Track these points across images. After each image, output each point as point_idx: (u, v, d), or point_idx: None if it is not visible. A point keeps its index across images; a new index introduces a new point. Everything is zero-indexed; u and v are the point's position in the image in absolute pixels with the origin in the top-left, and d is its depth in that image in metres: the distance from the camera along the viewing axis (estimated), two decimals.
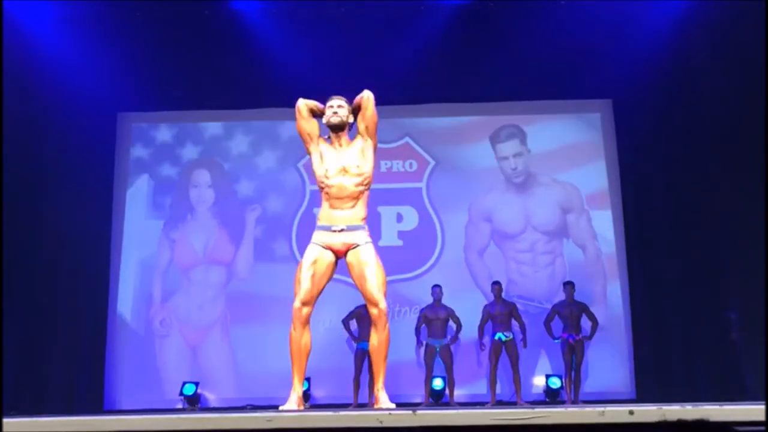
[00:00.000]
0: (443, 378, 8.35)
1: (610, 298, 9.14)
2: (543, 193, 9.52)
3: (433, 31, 8.80)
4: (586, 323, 8.54)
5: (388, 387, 4.04)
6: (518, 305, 8.67)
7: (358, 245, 4.08)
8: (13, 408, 7.49)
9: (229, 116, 9.82)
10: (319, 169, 4.21)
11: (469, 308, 8.63)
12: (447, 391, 8.31)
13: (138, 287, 9.32)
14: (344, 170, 4.15)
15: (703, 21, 8.25)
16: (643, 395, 8.51)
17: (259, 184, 9.67)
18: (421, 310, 8.53)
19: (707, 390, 8.01)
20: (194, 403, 8.57)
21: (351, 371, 8.22)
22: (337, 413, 2.58)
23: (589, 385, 8.66)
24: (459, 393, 8.40)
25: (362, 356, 8.09)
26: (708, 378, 8.29)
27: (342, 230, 4.10)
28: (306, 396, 7.95)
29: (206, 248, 9.45)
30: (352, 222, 4.12)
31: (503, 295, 8.65)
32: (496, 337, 8.35)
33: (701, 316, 8.58)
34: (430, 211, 9.47)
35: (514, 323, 8.46)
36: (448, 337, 8.39)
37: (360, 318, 8.18)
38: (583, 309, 8.54)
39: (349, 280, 4.20)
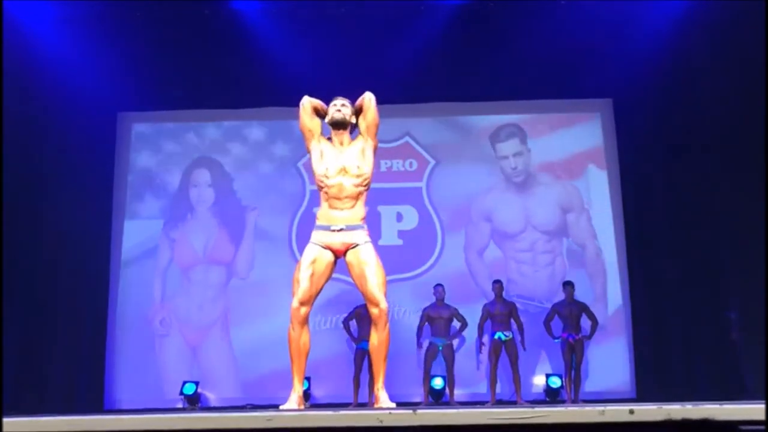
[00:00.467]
0: (443, 377, 8.35)
1: (610, 298, 9.14)
2: (543, 192, 9.52)
3: (433, 31, 8.80)
4: (585, 323, 8.54)
5: (388, 386, 4.04)
6: (518, 305, 8.67)
7: (357, 245, 4.09)
8: (13, 408, 7.49)
9: (229, 116, 9.81)
10: (318, 167, 4.21)
11: (469, 308, 8.63)
12: (447, 391, 8.31)
13: (138, 287, 9.31)
14: (344, 170, 4.15)
15: (703, 21, 8.25)
16: (643, 395, 8.51)
17: (259, 184, 9.66)
18: (424, 310, 8.53)
19: (707, 389, 8.01)
20: (194, 402, 8.57)
21: (351, 371, 8.22)
22: (337, 412, 2.58)
23: (589, 385, 8.66)
24: (459, 392, 8.40)
25: (362, 356, 8.09)
26: (708, 377, 8.29)
27: (341, 230, 4.10)
28: (306, 395, 7.94)
29: (206, 248, 9.45)
30: (351, 222, 4.12)
31: (503, 294, 8.64)
32: (496, 337, 8.35)
33: (701, 315, 8.58)
34: (430, 210, 9.47)
35: (513, 323, 8.45)
36: (451, 335, 8.39)
37: (360, 318, 8.18)
38: (583, 308, 8.54)
39: (349, 279, 4.20)
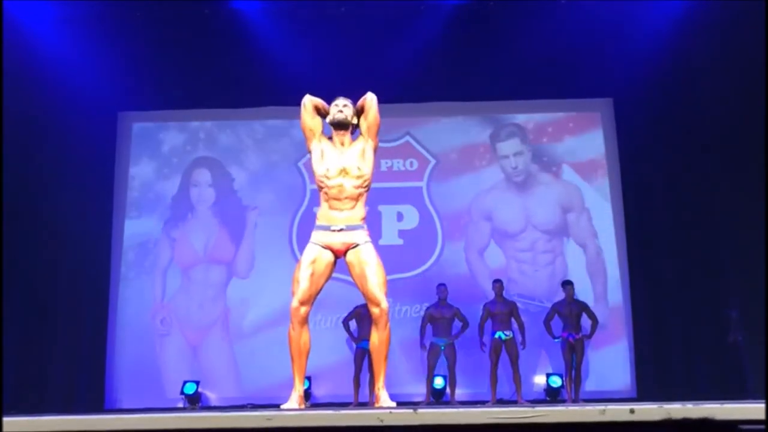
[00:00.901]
0: (444, 377, 8.35)
1: (610, 297, 9.14)
2: (543, 192, 9.53)
3: (434, 31, 8.81)
4: (586, 322, 8.54)
5: (388, 386, 4.04)
6: (519, 304, 8.67)
7: (357, 245, 4.09)
8: (13, 407, 7.49)
9: (230, 115, 9.81)
10: (319, 168, 4.20)
11: (469, 307, 8.63)
12: (448, 390, 8.31)
13: (138, 286, 9.32)
14: (345, 171, 4.15)
15: (703, 21, 8.26)
16: (643, 394, 8.51)
17: (260, 184, 9.66)
18: (427, 309, 8.53)
19: (707, 389, 8.02)
20: (195, 402, 8.58)
21: (351, 370, 8.22)
22: (337, 412, 2.58)
23: (589, 384, 8.67)
24: (459, 392, 8.40)
25: (362, 355, 8.09)
26: (708, 377, 8.30)
27: (341, 230, 4.10)
28: (307, 395, 7.95)
29: (207, 247, 9.46)
30: (351, 222, 4.12)
31: (504, 293, 8.64)
32: (496, 336, 8.35)
33: (701, 315, 8.58)
34: (431, 209, 9.47)
35: (514, 322, 8.45)
36: (453, 335, 8.38)
37: (360, 317, 8.19)
38: (583, 308, 8.54)
39: (349, 279, 4.20)
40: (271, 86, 9.17)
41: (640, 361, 8.79)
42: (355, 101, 4.31)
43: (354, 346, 8.41)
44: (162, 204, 9.62)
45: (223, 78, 9.34)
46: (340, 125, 4.23)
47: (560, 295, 8.67)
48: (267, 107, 9.56)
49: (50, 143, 9.15)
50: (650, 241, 9.07)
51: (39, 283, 8.86)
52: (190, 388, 8.54)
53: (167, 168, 9.74)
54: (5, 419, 2.70)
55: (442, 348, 8.31)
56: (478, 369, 8.82)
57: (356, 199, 4.16)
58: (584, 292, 8.88)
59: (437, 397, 8.41)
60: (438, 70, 9.21)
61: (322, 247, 4.10)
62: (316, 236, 4.15)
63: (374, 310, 4.01)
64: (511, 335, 8.35)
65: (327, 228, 4.13)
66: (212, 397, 8.91)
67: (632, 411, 2.48)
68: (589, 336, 8.50)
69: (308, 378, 7.53)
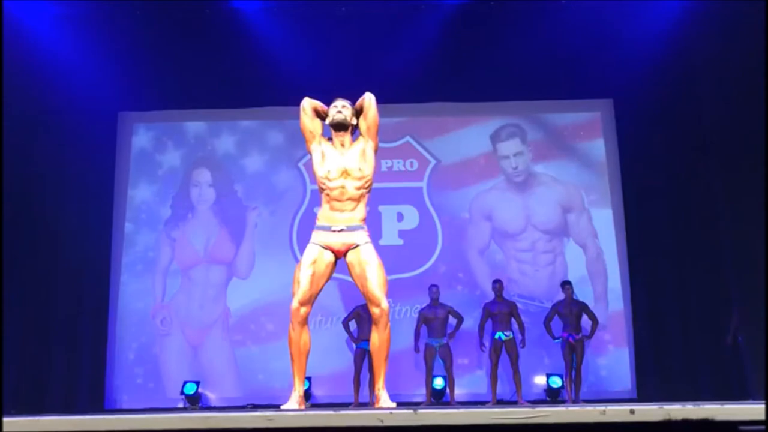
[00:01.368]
0: (444, 377, 8.36)
1: (610, 297, 9.14)
2: (543, 192, 9.53)
3: (434, 31, 8.81)
4: (586, 322, 8.54)
5: (388, 386, 4.04)
6: (519, 304, 8.67)
7: (357, 245, 4.09)
8: (13, 407, 7.50)
9: (230, 115, 9.81)
10: (320, 169, 4.20)
11: (469, 307, 8.64)
12: (448, 391, 8.31)
13: (139, 286, 9.32)
14: (346, 172, 4.15)
15: (703, 21, 8.25)
16: (643, 394, 8.51)
17: (260, 183, 9.66)
18: (420, 311, 8.53)
19: (708, 389, 8.02)
20: (195, 402, 8.58)
21: (351, 371, 8.23)
22: (337, 412, 2.58)
23: (589, 385, 8.66)
24: (459, 392, 8.40)
25: (362, 355, 8.10)
26: (709, 377, 8.30)
27: (341, 230, 4.10)
28: (307, 395, 7.96)
29: (207, 247, 9.46)
30: (352, 222, 4.12)
31: (504, 294, 8.64)
32: (496, 336, 8.35)
33: (701, 315, 8.58)
34: (431, 210, 9.47)
35: (514, 323, 8.45)
36: (448, 335, 8.38)
37: (359, 318, 8.19)
38: (583, 308, 8.54)
39: (349, 279, 4.20)
40: (271, 86, 9.17)
41: (640, 361, 8.79)
42: (354, 101, 4.31)
43: (354, 346, 8.41)
44: (162, 204, 9.61)
45: (224, 78, 9.35)
46: (340, 126, 4.22)
47: (560, 296, 8.67)
48: (267, 107, 9.56)
49: (50, 143, 9.15)
50: (650, 241, 9.06)
51: (39, 283, 8.86)
52: (190, 389, 8.54)
53: (167, 168, 9.73)
54: (5, 419, 2.70)
55: (437, 348, 8.31)
56: (478, 369, 8.84)
57: (357, 200, 4.16)
58: (584, 293, 8.88)
59: (437, 398, 8.42)
60: (438, 71, 9.22)
61: (323, 247, 4.11)
62: (317, 236, 4.15)
63: (374, 311, 4.01)
64: (511, 335, 8.35)
65: (327, 228, 4.13)
66: (212, 397, 8.91)
67: (632, 412, 2.48)
68: (589, 336, 8.50)
69: (308, 378, 7.53)
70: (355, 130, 4.31)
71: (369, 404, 7.66)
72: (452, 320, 8.47)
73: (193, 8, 8.61)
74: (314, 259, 4.08)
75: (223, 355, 9.10)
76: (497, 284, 8.57)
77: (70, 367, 8.82)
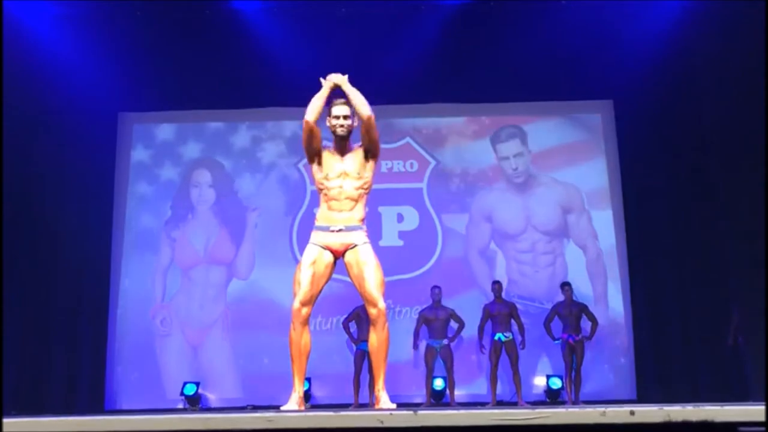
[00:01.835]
0: (444, 378, 8.35)
1: (610, 298, 9.14)
2: (543, 193, 9.52)
3: (434, 31, 8.81)
4: (586, 323, 8.54)
5: (388, 387, 4.04)
6: (518, 305, 8.67)
7: (356, 245, 4.09)
8: (13, 408, 7.50)
9: (230, 116, 9.81)
10: (318, 173, 4.22)
11: (469, 308, 8.63)
12: (448, 392, 8.30)
13: (139, 287, 9.31)
14: (345, 173, 4.15)
15: (703, 21, 8.25)
16: (643, 396, 8.51)
17: (260, 184, 9.66)
18: (421, 311, 8.53)
19: (708, 390, 8.01)
20: (195, 403, 8.58)
21: (351, 371, 8.22)
22: (337, 413, 2.58)
23: (589, 386, 8.65)
24: (459, 393, 8.40)
25: (362, 356, 8.09)
26: (709, 378, 8.29)
27: (340, 230, 4.10)
28: (307, 396, 7.95)
29: (207, 248, 9.45)
30: (350, 222, 4.12)
31: (503, 294, 8.64)
32: (496, 338, 8.35)
33: (701, 316, 8.58)
34: (431, 211, 9.47)
35: (514, 324, 8.45)
36: (449, 337, 8.37)
37: (359, 319, 8.18)
38: (583, 309, 8.54)
39: (349, 280, 4.20)
40: (271, 87, 9.18)
41: (640, 362, 8.79)
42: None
43: (354, 347, 8.41)
44: (162, 204, 9.61)
45: (224, 78, 9.34)
46: (342, 139, 4.22)
47: (560, 297, 8.67)
48: (267, 108, 9.56)
49: (50, 143, 9.15)
50: (650, 242, 9.06)
51: (39, 284, 8.86)
52: (190, 389, 8.54)
53: (167, 168, 9.73)
54: (5, 420, 2.70)
55: (438, 350, 8.31)
56: (477, 370, 8.83)
57: (356, 200, 4.16)
58: (584, 294, 8.88)
59: (437, 399, 8.41)
60: (438, 71, 9.22)
61: (322, 247, 4.11)
62: (316, 237, 4.15)
63: (372, 311, 4.01)
64: (511, 337, 8.35)
65: (326, 228, 4.13)
66: (212, 398, 8.91)
67: (632, 413, 2.48)
68: (589, 337, 8.50)
69: (308, 379, 7.53)
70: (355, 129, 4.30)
71: (369, 405, 7.66)
72: (453, 323, 8.46)
73: (193, 9, 8.61)
74: (314, 259, 4.09)
75: (223, 356, 9.10)
76: (496, 285, 8.57)
77: (70, 367, 8.81)
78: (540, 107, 9.72)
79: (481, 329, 8.44)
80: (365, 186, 4.19)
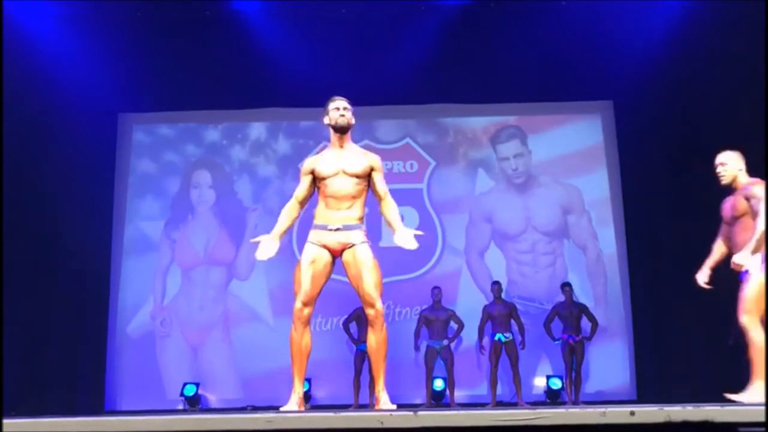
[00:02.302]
0: (444, 379, 8.35)
1: (610, 299, 9.14)
2: (544, 193, 9.52)
3: (433, 32, 8.81)
4: (586, 324, 8.54)
5: (388, 388, 4.04)
6: (518, 306, 8.67)
7: (354, 245, 4.08)
8: (13, 409, 7.49)
9: (230, 116, 9.81)
10: (317, 171, 4.22)
11: (469, 309, 8.63)
12: (448, 392, 8.30)
13: (139, 287, 9.31)
14: (343, 171, 4.15)
15: (703, 21, 8.25)
16: (643, 396, 8.51)
17: (260, 184, 9.66)
18: (421, 312, 8.53)
19: (708, 390, 8.00)
20: (195, 404, 8.57)
21: (351, 372, 8.22)
22: (337, 414, 2.58)
23: (589, 386, 8.66)
24: (459, 394, 8.40)
25: (362, 357, 8.08)
26: (708, 379, 8.28)
27: (338, 229, 4.09)
28: (307, 397, 7.95)
29: (207, 248, 9.45)
30: (348, 221, 4.11)
31: (503, 295, 8.64)
32: (496, 338, 8.34)
33: (702, 317, 8.56)
34: (431, 211, 9.47)
35: (514, 324, 8.45)
36: (449, 338, 8.37)
37: (359, 319, 8.18)
38: (583, 310, 8.54)
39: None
40: (271, 86, 9.17)
41: (641, 363, 8.79)
42: (354, 102, 4.29)
43: (354, 348, 8.41)
44: (162, 205, 9.61)
45: (224, 79, 9.33)
46: (342, 129, 4.22)
47: (560, 297, 8.67)
48: (267, 108, 9.56)
49: (50, 144, 9.14)
50: (650, 242, 9.06)
51: (39, 284, 8.85)
52: (190, 390, 8.54)
53: (167, 169, 9.72)
54: (5, 421, 2.70)
55: (438, 350, 8.31)
56: (477, 371, 8.83)
57: (354, 198, 4.15)
58: (584, 294, 8.88)
59: (437, 399, 8.41)
60: (438, 72, 9.21)
61: (320, 246, 4.10)
62: (314, 236, 4.15)
63: (369, 311, 4.00)
64: (511, 337, 8.35)
65: (324, 227, 4.13)
66: (212, 398, 8.90)
67: (632, 413, 2.49)
68: (589, 338, 8.50)
69: (308, 380, 7.53)
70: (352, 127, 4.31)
71: (369, 406, 7.66)
72: (454, 324, 8.47)
73: (193, 9, 8.61)
74: (313, 258, 4.08)
75: (223, 357, 9.10)
76: (496, 285, 8.57)
77: (70, 368, 8.81)
78: (540, 108, 9.71)
79: (481, 330, 8.44)
80: (363, 184, 4.19)
